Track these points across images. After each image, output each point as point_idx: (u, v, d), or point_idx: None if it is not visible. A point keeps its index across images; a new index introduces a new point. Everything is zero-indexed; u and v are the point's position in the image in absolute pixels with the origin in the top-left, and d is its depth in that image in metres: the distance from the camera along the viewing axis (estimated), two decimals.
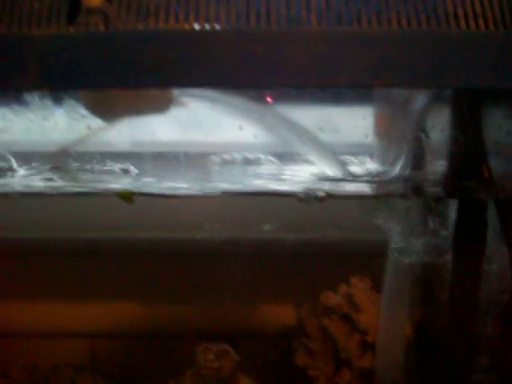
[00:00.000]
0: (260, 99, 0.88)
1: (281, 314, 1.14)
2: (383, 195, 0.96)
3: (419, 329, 1.03)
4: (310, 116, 0.94)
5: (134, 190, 0.90)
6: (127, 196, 0.89)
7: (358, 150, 0.97)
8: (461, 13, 0.68)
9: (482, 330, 0.96)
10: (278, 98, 0.90)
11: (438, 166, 0.93)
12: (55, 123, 0.89)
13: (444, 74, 0.68)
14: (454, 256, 0.95)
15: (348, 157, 0.97)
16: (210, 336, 1.09)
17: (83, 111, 0.85)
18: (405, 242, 0.99)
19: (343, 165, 0.95)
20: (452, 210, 0.95)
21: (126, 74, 0.67)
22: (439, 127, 0.92)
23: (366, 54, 0.66)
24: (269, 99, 0.89)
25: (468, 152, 0.89)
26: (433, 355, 1.01)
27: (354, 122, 0.95)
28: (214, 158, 0.96)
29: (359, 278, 1.07)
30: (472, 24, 0.68)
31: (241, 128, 0.89)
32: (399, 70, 0.67)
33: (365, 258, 1.07)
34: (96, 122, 0.87)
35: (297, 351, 1.06)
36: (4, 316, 1.15)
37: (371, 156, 0.97)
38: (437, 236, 0.97)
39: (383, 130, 0.96)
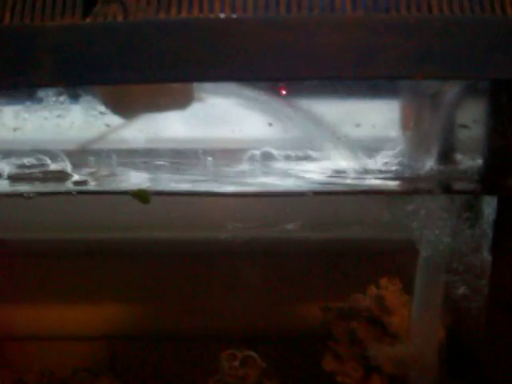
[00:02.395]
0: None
1: (307, 317, 1.11)
2: (412, 192, 0.92)
3: (453, 333, 0.99)
4: (336, 110, 0.90)
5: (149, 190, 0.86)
6: (143, 196, 0.85)
7: (385, 145, 0.94)
8: None
9: None
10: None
11: (473, 162, 0.89)
12: None
13: (489, 63, 0.63)
14: (492, 256, 0.90)
15: (375, 152, 0.93)
16: (232, 339, 1.06)
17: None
18: (438, 242, 0.95)
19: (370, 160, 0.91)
20: (490, 208, 0.90)
21: (146, 68, 0.63)
22: (476, 120, 0.87)
23: (405, 44, 0.62)
24: (283, 92, 0.85)
25: (508, 147, 0.84)
26: (467, 360, 0.98)
27: (381, 116, 0.92)
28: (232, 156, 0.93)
29: (389, 280, 1.02)
30: None
31: (270, 124, 0.85)
32: (441, 60, 0.62)
33: (395, 259, 1.03)
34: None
35: (324, 356, 1.02)
36: (19, 320, 1.12)
37: (399, 151, 0.93)
38: (473, 235, 0.93)
39: (411, 123, 0.92)
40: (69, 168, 0.89)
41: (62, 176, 0.88)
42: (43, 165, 0.88)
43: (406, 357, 0.97)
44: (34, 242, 1.13)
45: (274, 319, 1.13)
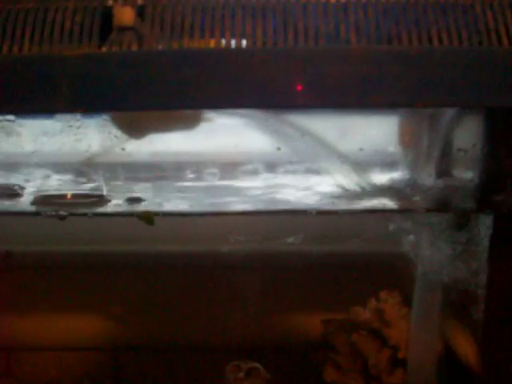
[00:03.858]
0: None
1: (308, 329, 1.13)
2: (410, 210, 0.95)
3: (451, 344, 1.01)
4: (331, 125, 0.92)
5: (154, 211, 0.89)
6: (148, 218, 0.88)
7: (381, 163, 0.96)
8: (503, 30, 0.67)
9: None
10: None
11: (468, 180, 0.92)
12: None
13: (486, 92, 0.66)
14: (488, 270, 0.93)
15: (373, 169, 0.96)
16: (236, 350, 1.08)
17: None
18: (435, 257, 0.98)
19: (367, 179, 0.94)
20: (486, 225, 0.93)
21: (159, 96, 0.66)
22: (471, 141, 0.90)
23: (407, 73, 0.65)
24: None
25: (501, 166, 0.87)
26: (465, 371, 1.00)
27: (378, 133, 0.94)
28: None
29: (388, 293, 1.05)
30: None
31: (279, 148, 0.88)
32: (440, 88, 0.65)
33: (395, 272, 1.06)
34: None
35: (325, 367, 1.05)
36: (25, 331, 1.14)
37: (397, 169, 0.96)
38: (469, 251, 0.96)
39: (410, 142, 0.95)
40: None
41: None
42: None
43: None
44: (38, 255, 1.14)
45: (276, 331, 1.14)
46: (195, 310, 1.13)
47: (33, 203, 0.88)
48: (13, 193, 0.92)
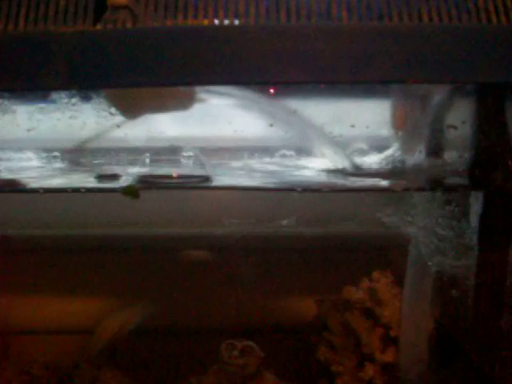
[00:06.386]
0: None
1: (302, 310, 1.14)
2: (402, 189, 0.96)
3: (442, 323, 1.03)
4: (331, 110, 0.93)
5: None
6: (133, 192, 0.88)
7: (375, 143, 0.97)
8: (492, 8, 0.68)
9: (506, 326, 0.95)
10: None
11: (461, 158, 0.93)
12: None
13: (475, 69, 0.67)
14: (479, 250, 0.94)
15: (365, 150, 0.96)
16: (231, 331, 1.09)
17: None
18: (427, 236, 0.99)
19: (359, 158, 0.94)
20: (476, 202, 0.94)
21: (154, 73, 0.67)
22: (463, 119, 0.91)
23: (397, 50, 0.66)
24: (271, 91, 0.88)
25: (494, 144, 0.88)
26: (456, 349, 1.01)
27: (373, 116, 0.95)
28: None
29: (381, 273, 1.06)
30: (503, 19, 0.68)
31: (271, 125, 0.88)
32: (431, 65, 0.66)
33: (387, 252, 1.07)
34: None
35: (319, 346, 1.06)
36: (23, 314, 1.15)
37: (390, 150, 0.97)
38: (460, 229, 0.97)
39: (402, 123, 0.96)
40: None
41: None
42: None
43: None
44: (36, 238, 1.15)
45: (270, 312, 1.15)
46: (190, 292, 1.14)
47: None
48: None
